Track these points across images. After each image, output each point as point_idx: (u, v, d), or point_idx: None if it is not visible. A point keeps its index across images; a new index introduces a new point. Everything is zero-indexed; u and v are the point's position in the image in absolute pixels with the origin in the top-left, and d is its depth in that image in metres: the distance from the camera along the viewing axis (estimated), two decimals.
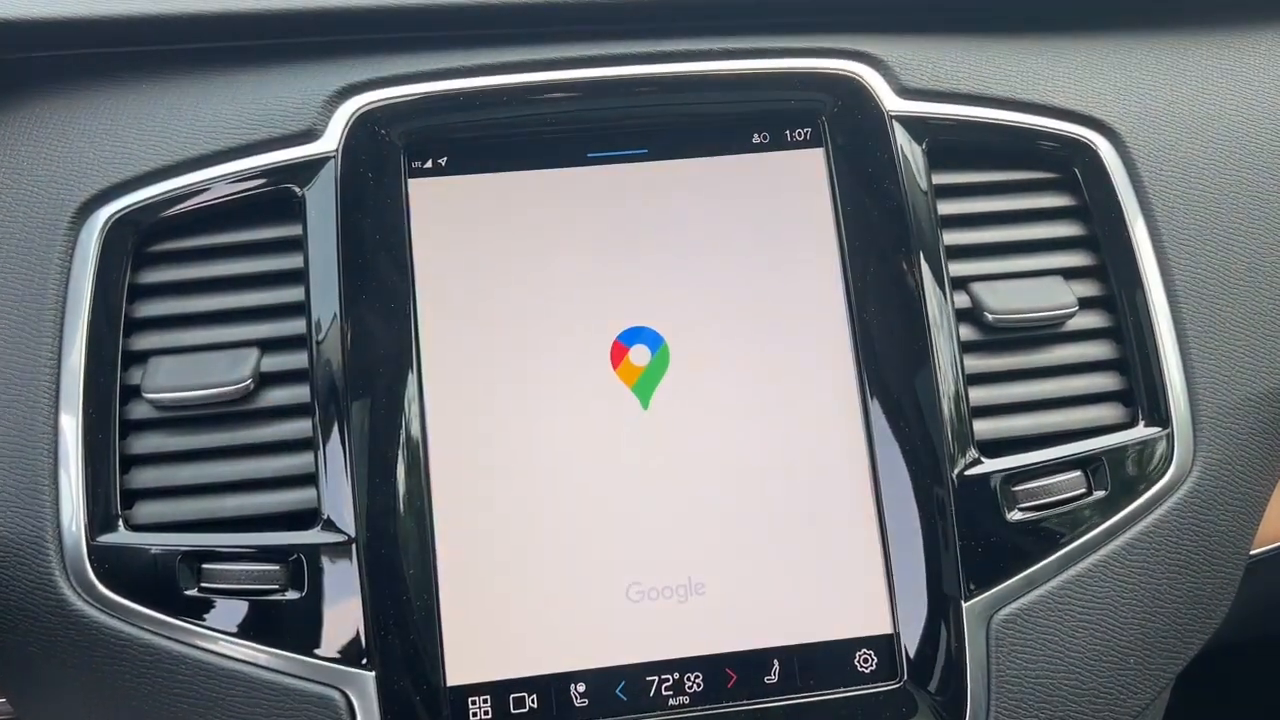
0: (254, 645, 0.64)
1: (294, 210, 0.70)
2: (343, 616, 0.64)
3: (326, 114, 0.70)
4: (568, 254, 0.70)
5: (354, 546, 0.64)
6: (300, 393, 0.67)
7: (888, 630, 0.67)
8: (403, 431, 0.66)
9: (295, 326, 0.68)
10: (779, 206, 0.72)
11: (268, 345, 0.68)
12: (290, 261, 0.69)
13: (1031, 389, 0.72)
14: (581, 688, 0.66)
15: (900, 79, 0.74)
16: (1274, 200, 0.77)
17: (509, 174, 0.71)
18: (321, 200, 0.69)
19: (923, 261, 0.70)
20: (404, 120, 0.70)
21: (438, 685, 0.64)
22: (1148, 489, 0.70)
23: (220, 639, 0.64)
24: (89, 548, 0.65)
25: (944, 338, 0.70)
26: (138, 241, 0.70)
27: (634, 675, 0.66)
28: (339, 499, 0.65)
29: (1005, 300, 0.71)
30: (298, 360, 0.68)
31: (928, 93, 0.74)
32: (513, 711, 0.65)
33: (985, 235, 0.74)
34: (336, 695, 0.64)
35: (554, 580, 0.66)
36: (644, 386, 0.69)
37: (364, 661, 0.64)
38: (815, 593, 0.67)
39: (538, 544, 0.66)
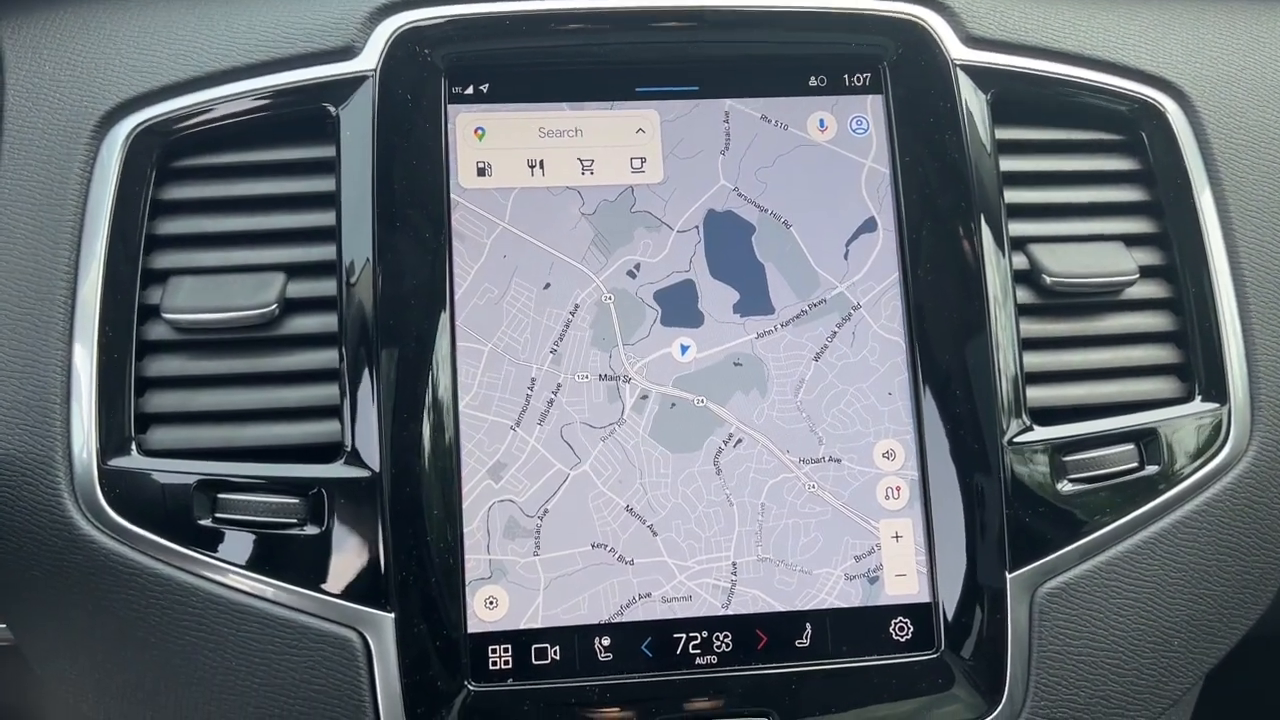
0: (269, 580, 0.62)
1: (327, 130, 0.67)
2: (363, 555, 0.62)
3: (366, 31, 0.67)
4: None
5: (378, 483, 0.62)
6: (327, 321, 0.65)
7: (926, 599, 0.65)
8: (433, 368, 0.63)
9: (324, 252, 0.65)
10: (832, 154, 0.68)
11: (294, 270, 0.66)
12: (321, 184, 0.66)
13: (1087, 357, 0.69)
14: (606, 641, 0.63)
15: (967, 27, 0.71)
16: None
17: (555, 105, 0.68)
18: (357, 121, 0.66)
19: (983, 219, 0.67)
20: (447, 42, 0.67)
21: (458, 631, 0.62)
22: (1202, 466, 0.68)
23: (234, 572, 0.62)
24: (100, 471, 0.62)
25: (1001, 299, 0.67)
26: (162, 155, 0.67)
27: (661, 631, 0.63)
28: (366, 433, 0.62)
29: (1064, 263, 0.68)
30: (325, 288, 0.65)
31: (995, 43, 0.71)
32: (534, 662, 0.63)
33: (1047, 195, 0.71)
34: (354, 636, 0.61)
35: (582, 529, 0.64)
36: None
37: (383, 603, 0.62)
38: (852, 557, 0.65)
39: (566, 490, 0.64)
